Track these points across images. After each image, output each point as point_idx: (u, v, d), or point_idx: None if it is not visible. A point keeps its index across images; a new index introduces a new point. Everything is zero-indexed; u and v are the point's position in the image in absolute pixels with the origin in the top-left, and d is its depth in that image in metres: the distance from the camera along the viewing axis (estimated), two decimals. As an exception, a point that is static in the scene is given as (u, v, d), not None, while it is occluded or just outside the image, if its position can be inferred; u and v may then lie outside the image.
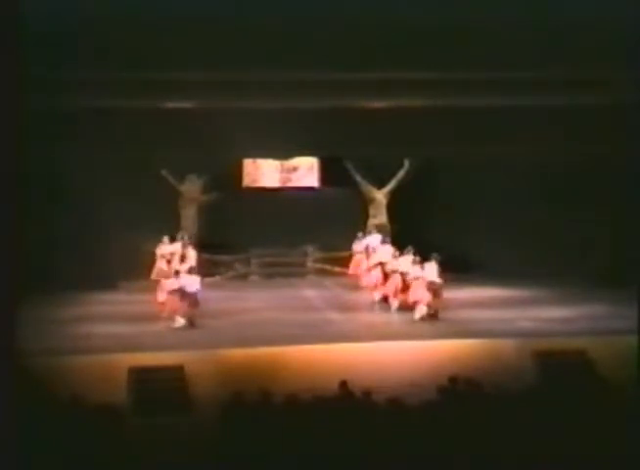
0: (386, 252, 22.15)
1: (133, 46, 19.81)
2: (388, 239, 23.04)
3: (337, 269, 24.72)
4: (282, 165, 26.39)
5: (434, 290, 20.24)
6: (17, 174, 12.04)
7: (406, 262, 20.96)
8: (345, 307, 21.58)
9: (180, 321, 19.60)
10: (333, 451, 11.47)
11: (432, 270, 20.38)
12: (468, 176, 24.82)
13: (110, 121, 22.21)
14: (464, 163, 24.29)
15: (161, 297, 20.42)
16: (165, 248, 22.06)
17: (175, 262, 21.49)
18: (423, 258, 20.70)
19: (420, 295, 20.29)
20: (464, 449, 11.52)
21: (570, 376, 16.44)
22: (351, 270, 23.72)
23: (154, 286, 22.66)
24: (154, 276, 21.52)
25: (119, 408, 13.56)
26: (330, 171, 26.13)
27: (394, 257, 21.49)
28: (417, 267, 20.55)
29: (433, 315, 20.12)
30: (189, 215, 25.17)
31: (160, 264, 21.67)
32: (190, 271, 20.15)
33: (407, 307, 20.57)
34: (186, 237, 22.47)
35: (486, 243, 24.37)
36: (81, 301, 22.24)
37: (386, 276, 21.68)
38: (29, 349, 15.05)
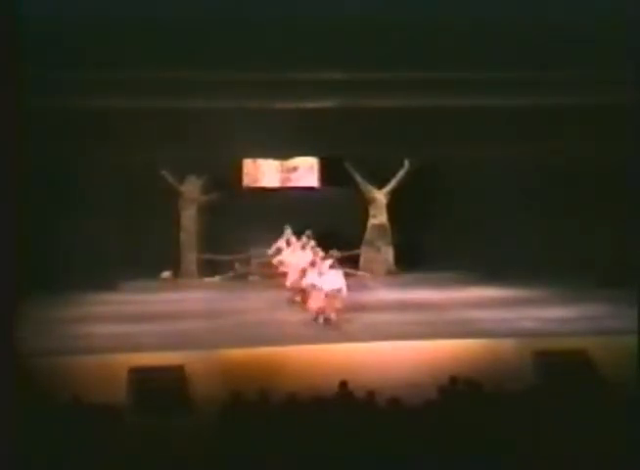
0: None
1: (133, 46, 19.85)
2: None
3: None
4: (282, 165, 26.35)
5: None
6: (17, 174, 12.05)
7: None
8: (345, 308, 21.53)
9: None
10: (333, 451, 11.46)
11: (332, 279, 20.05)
12: (468, 176, 24.81)
13: (110, 121, 22.23)
14: (464, 163, 24.29)
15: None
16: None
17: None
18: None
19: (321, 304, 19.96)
20: (464, 449, 11.51)
21: (570, 376, 16.44)
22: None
23: (154, 286, 22.68)
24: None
25: (119, 408, 13.57)
26: (330, 171, 26.09)
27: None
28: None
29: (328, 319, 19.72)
30: (189, 215, 25.15)
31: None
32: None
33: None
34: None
35: (486, 243, 24.36)
36: (81, 301, 22.22)
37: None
38: (29, 349, 15.09)
